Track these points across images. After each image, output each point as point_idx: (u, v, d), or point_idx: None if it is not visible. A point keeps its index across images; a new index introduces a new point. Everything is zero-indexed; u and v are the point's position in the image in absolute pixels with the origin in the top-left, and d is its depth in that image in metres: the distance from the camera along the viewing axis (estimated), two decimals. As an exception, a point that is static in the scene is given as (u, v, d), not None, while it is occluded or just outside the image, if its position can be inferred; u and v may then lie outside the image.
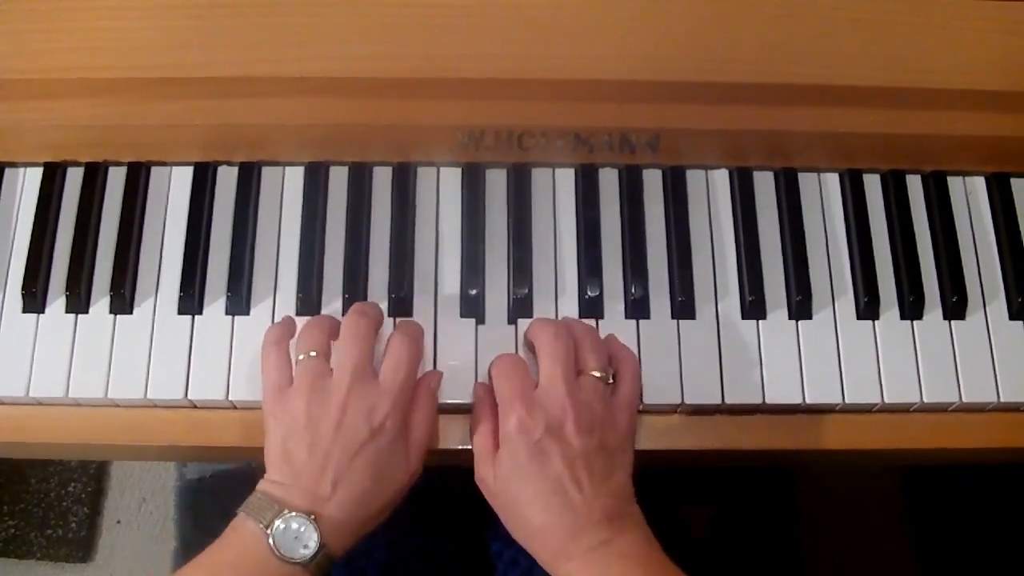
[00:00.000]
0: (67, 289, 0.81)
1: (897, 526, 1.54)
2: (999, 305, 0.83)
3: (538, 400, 0.71)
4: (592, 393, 0.72)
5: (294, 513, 0.68)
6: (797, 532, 1.41)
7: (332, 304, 0.81)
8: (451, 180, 0.85)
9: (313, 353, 0.73)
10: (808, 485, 1.45)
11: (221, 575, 0.68)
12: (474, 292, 0.81)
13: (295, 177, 0.85)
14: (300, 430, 0.70)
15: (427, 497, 0.95)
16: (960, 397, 0.80)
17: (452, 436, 0.79)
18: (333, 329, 0.75)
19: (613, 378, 0.74)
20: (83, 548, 1.62)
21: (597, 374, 0.73)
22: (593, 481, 0.69)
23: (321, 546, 0.67)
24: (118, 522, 1.64)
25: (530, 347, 0.76)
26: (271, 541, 0.67)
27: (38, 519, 1.63)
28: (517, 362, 0.74)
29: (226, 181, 0.85)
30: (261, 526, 0.68)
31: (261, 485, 0.71)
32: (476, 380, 0.79)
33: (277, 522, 0.67)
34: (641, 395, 0.78)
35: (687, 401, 0.79)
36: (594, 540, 0.68)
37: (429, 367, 0.79)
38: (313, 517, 0.68)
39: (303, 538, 0.67)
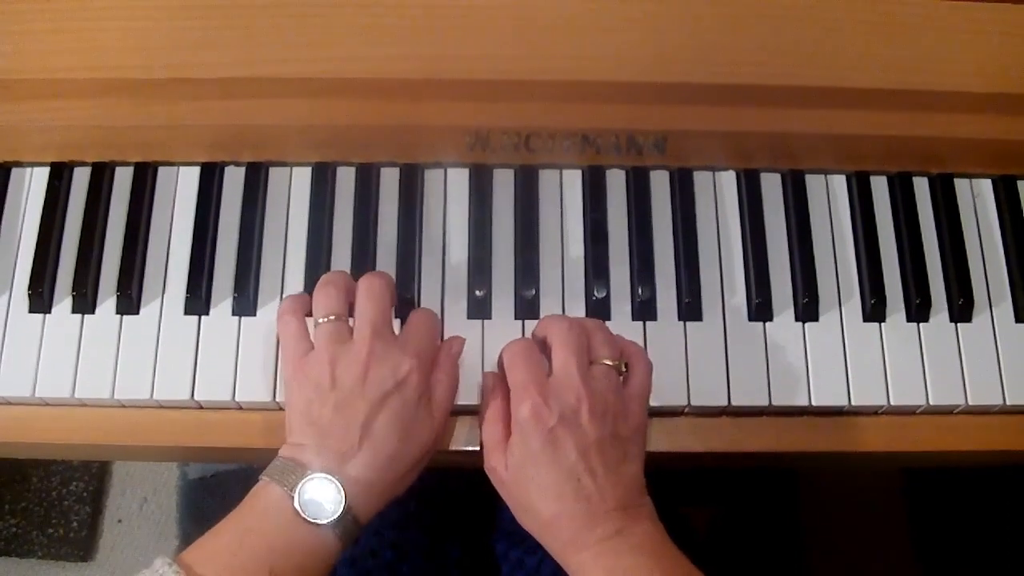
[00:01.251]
0: (73, 289, 0.81)
1: (900, 528, 1.54)
2: (1006, 308, 0.83)
3: (552, 387, 0.70)
4: (605, 381, 0.72)
5: (319, 474, 0.68)
6: (799, 534, 1.41)
7: (339, 305, 0.81)
8: (458, 181, 0.85)
9: (332, 316, 0.73)
10: (811, 487, 1.45)
11: (246, 541, 0.67)
12: (481, 293, 0.81)
13: (302, 177, 0.85)
14: (325, 390, 0.70)
15: (433, 497, 0.96)
16: (966, 400, 0.80)
17: (459, 436, 0.79)
18: (346, 286, 0.75)
19: (625, 367, 0.74)
20: (84, 547, 1.62)
21: (609, 363, 0.73)
22: (607, 470, 0.69)
23: (347, 508, 0.67)
24: (119, 521, 1.64)
25: (540, 344, 0.76)
26: (297, 504, 0.67)
27: (39, 518, 1.63)
28: (530, 347, 0.74)
29: (233, 181, 0.85)
30: (286, 489, 0.67)
31: (284, 450, 0.71)
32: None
33: (302, 484, 0.67)
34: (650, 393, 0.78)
35: (693, 403, 0.79)
36: (607, 530, 0.68)
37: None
38: (339, 477, 0.68)
39: (329, 499, 0.67)
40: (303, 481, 0.67)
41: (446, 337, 0.80)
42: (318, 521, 0.67)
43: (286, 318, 0.75)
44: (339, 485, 0.68)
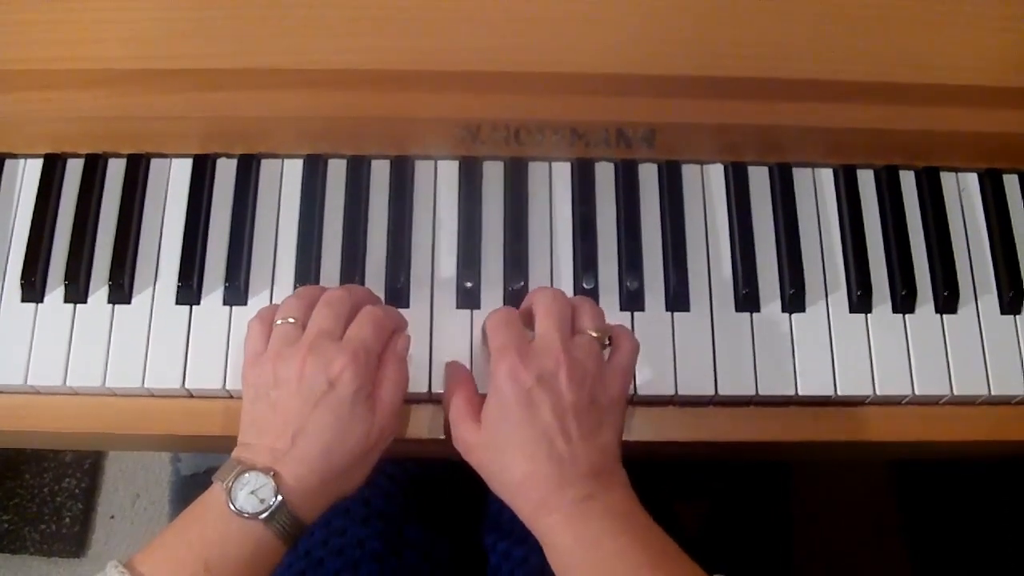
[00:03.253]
0: (66, 279, 0.81)
1: (889, 522, 1.54)
2: (990, 299, 0.84)
3: (532, 351, 0.71)
4: (587, 350, 0.72)
5: (252, 471, 0.68)
6: (790, 528, 1.41)
7: (329, 295, 0.81)
8: (448, 173, 0.86)
9: (291, 319, 0.74)
10: (802, 481, 1.45)
11: (185, 536, 0.68)
12: (470, 284, 0.82)
13: (294, 169, 0.86)
14: (267, 389, 0.71)
15: (421, 488, 0.96)
16: (951, 390, 0.81)
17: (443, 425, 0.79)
18: (315, 299, 0.76)
19: (609, 341, 0.75)
20: (77, 543, 1.62)
21: (593, 334, 0.73)
22: (581, 434, 0.70)
23: (281, 502, 0.68)
24: (112, 517, 1.65)
25: (527, 319, 0.76)
26: (229, 498, 0.67)
27: (32, 514, 1.63)
28: (511, 315, 0.75)
29: (225, 173, 0.86)
30: (223, 485, 0.68)
31: (233, 452, 0.72)
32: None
33: (235, 479, 0.68)
34: (635, 386, 0.78)
35: (681, 392, 0.79)
36: (578, 493, 0.68)
37: (424, 360, 0.80)
38: (272, 472, 0.68)
39: (260, 493, 0.68)
40: (236, 476, 0.68)
41: (435, 327, 0.81)
42: (248, 514, 0.67)
43: (252, 323, 0.76)
44: (270, 480, 0.68)
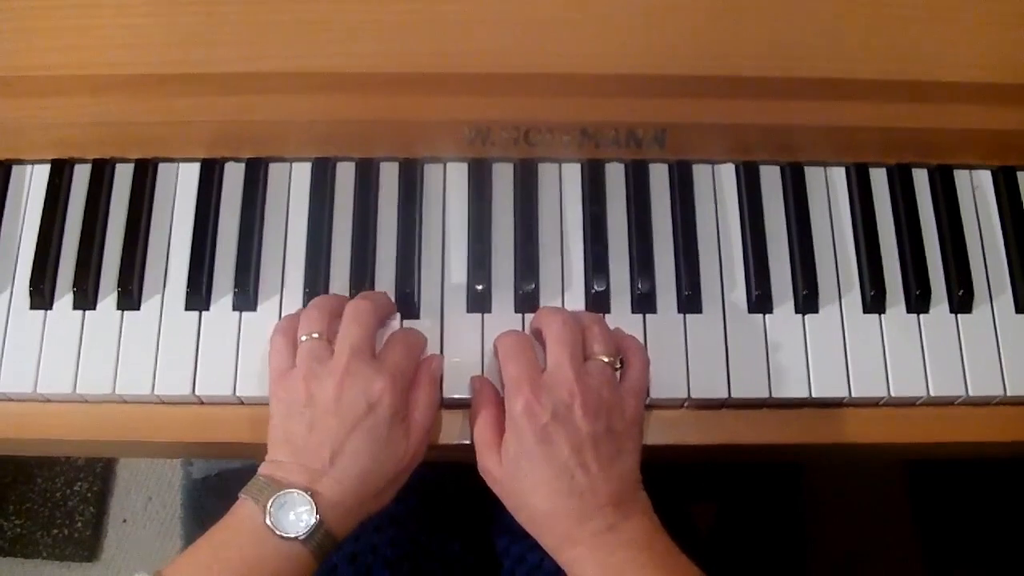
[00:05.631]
0: (75, 285, 0.81)
1: (902, 521, 1.54)
2: (1006, 299, 0.83)
3: (545, 384, 0.71)
4: (600, 377, 0.72)
5: (291, 489, 0.68)
6: (802, 529, 1.40)
7: (339, 299, 0.81)
8: (458, 175, 0.86)
9: (315, 335, 0.73)
10: (814, 482, 1.44)
11: (220, 554, 0.68)
12: (481, 287, 0.81)
13: (302, 173, 0.85)
14: (300, 408, 0.71)
15: (433, 493, 0.96)
16: (967, 391, 0.80)
17: (457, 430, 0.79)
18: (336, 309, 0.75)
19: (621, 363, 0.74)
20: (89, 547, 1.63)
21: (605, 359, 0.73)
22: (600, 465, 0.69)
23: (319, 522, 0.68)
24: (124, 521, 1.65)
25: (536, 336, 0.76)
26: (268, 518, 0.67)
27: (44, 518, 1.64)
28: (524, 342, 0.74)
29: (233, 177, 0.85)
30: (259, 505, 0.68)
31: (262, 468, 0.71)
32: (483, 375, 0.79)
33: (274, 499, 0.68)
34: (648, 388, 0.78)
35: (694, 395, 0.79)
36: (600, 525, 0.69)
37: (436, 363, 0.79)
38: (310, 492, 0.68)
39: (300, 513, 0.68)
40: (275, 497, 0.68)
41: (446, 330, 0.80)
42: (288, 536, 0.67)
43: (275, 336, 0.76)
44: (310, 501, 0.68)
